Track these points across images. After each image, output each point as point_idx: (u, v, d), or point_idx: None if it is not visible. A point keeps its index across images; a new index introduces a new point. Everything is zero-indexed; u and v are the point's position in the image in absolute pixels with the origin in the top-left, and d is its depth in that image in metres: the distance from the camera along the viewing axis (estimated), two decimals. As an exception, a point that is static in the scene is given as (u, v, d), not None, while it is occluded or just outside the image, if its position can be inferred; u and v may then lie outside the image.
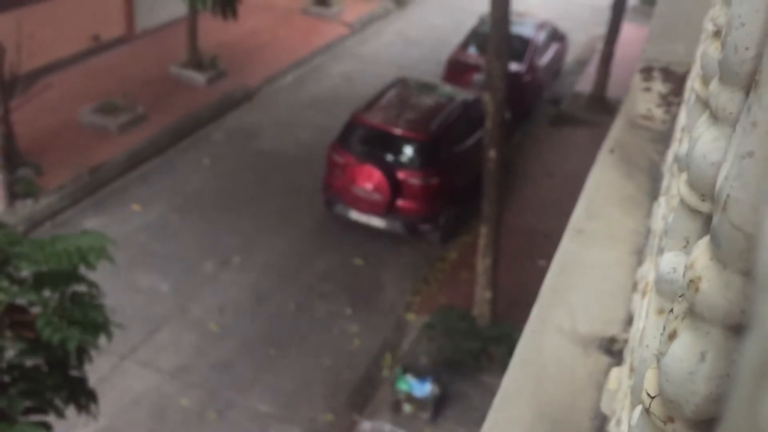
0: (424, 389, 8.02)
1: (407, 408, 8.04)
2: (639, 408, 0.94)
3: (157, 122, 12.31)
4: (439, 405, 8.12)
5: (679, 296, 0.76)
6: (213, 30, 14.80)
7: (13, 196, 10.03)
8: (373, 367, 8.70)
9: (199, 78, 13.84)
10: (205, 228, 10.37)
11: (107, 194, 10.78)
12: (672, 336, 0.74)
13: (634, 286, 2.13)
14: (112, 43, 14.40)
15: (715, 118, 0.92)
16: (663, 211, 1.68)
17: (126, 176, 11.18)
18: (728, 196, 0.65)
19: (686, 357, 0.72)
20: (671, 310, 0.78)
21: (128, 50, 14.56)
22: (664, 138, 2.97)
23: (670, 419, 0.79)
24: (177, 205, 10.74)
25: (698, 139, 0.96)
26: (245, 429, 7.73)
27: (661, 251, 1.31)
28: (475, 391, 8.37)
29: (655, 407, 0.81)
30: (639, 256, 2.43)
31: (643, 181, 2.74)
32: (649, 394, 0.82)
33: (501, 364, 8.05)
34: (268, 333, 8.88)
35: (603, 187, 2.73)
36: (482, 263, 9.03)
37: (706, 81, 1.15)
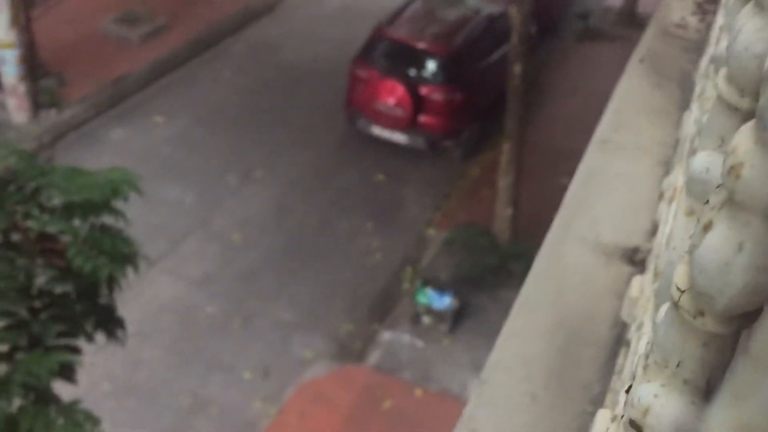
0: (443, 302, 8.14)
1: (426, 320, 8.19)
2: (666, 305, 0.94)
3: (178, 33, 12.17)
4: (457, 318, 8.26)
5: (717, 186, 0.74)
6: (233, -62, 14.41)
7: (37, 106, 10.06)
8: (394, 281, 8.83)
9: (219, -12, 13.56)
10: (227, 141, 10.38)
11: (130, 106, 10.77)
12: (707, 227, 0.73)
13: (660, 196, 2.12)
14: (131, -49, 14.08)
15: (760, 6, 0.89)
16: (695, 115, 1.65)
17: (148, 88, 11.14)
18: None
19: (722, 248, 0.71)
20: (707, 202, 0.76)
21: (147, -41, 14.24)
22: (697, 47, 2.89)
23: (701, 313, 0.79)
24: (199, 118, 10.73)
25: (740, 30, 0.92)
26: (268, 337, 7.93)
27: (692, 153, 1.29)
28: (493, 305, 8.48)
29: (685, 301, 0.80)
30: (666, 167, 2.40)
31: (673, 91, 2.67)
32: (679, 288, 0.82)
33: (520, 280, 8.11)
34: (290, 246, 9.00)
35: (631, 97, 2.68)
36: (504, 180, 9.00)
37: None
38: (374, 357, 7.95)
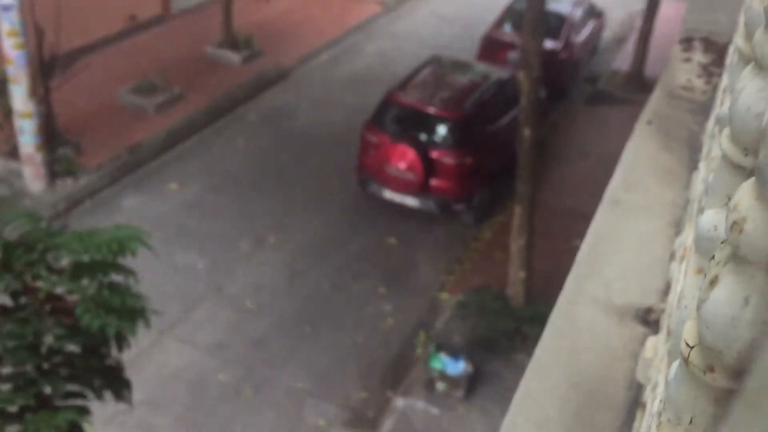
0: (457, 368, 8.03)
1: (440, 386, 8.07)
2: (677, 362, 0.93)
3: (193, 102, 12.43)
4: (472, 383, 8.13)
5: (722, 242, 0.75)
6: (247, 10, 14.84)
7: (53, 175, 10.22)
8: (407, 346, 8.74)
9: (234, 58, 13.91)
10: (240, 207, 10.47)
11: (145, 173, 10.92)
12: (713, 282, 0.73)
13: (672, 256, 2.11)
14: (148, 23, 14.53)
15: (760, 68, 0.91)
16: (703, 174, 1.65)
17: (163, 156, 11.31)
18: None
19: (728, 302, 0.71)
20: (713, 257, 0.77)
21: (164, 30, 14.67)
22: (704, 109, 2.91)
23: (710, 368, 0.78)
24: (213, 185, 10.85)
25: (742, 91, 0.94)
26: (281, 405, 7.83)
27: (700, 211, 1.29)
28: (508, 370, 8.36)
29: (695, 357, 0.80)
30: (677, 227, 2.40)
31: (681, 152, 2.69)
32: (688, 344, 0.81)
33: (535, 344, 8.02)
34: (302, 311, 8.96)
35: (640, 158, 2.69)
36: (516, 243, 8.99)
37: (749, 36, 1.13)
38: (388, 425, 7.81)
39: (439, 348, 8.28)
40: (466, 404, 8.05)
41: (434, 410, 7.97)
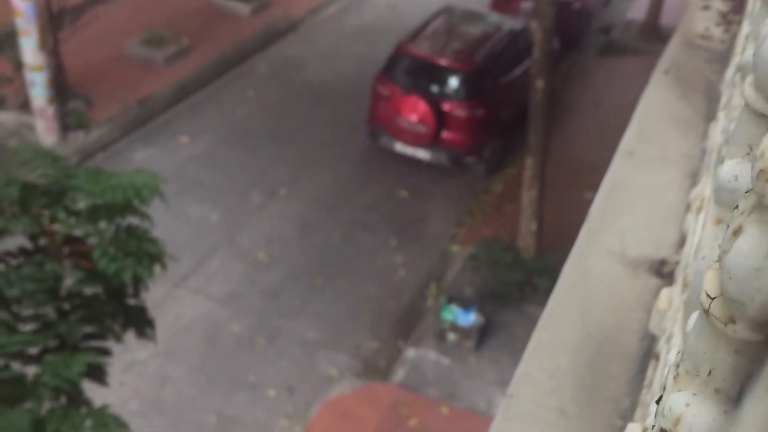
0: (468, 319, 8.10)
1: (451, 337, 8.15)
2: (696, 314, 0.93)
3: (202, 54, 12.32)
4: (482, 334, 8.21)
5: (746, 191, 0.74)
6: (256, -41, 14.58)
7: (65, 128, 10.22)
8: (418, 298, 8.81)
9: (243, 8, 13.73)
10: (251, 159, 10.46)
11: (156, 126, 10.90)
12: (737, 232, 0.73)
13: (688, 208, 2.10)
14: (155, -25, 14.31)
15: (787, 13, 0.88)
16: (722, 124, 1.63)
17: (173, 108, 11.27)
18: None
19: (752, 253, 0.70)
20: (736, 207, 0.76)
21: (172, -19, 14.47)
22: (722, 58, 2.86)
23: (731, 320, 0.78)
24: (224, 137, 10.83)
25: (766, 37, 0.92)
26: (293, 354, 7.94)
27: (720, 162, 1.28)
28: (518, 321, 8.43)
29: (716, 308, 0.80)
30: (693, 178, 2.38)
31: (698, 102, 2.66)
32: (709, 296, 0.81)
33: (545, 295, 8.06)
34: (314, 263, 9.02)
35: (656, 108, 2.66)
36: (527, 195, 8.97)
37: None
38: (399, 374, 7.91)
39: (450, 299, 8.34)
40: (477, 354, 8.13)
41: (445, 360, 8.06)
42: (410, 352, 8.14)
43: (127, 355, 7.19)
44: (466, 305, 8.22)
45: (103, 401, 3.30)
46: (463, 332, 8.11)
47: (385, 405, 7.60)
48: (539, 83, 8.49)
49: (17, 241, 3.31)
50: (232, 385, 7.58)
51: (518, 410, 2.12)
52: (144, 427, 7.05)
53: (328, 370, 7.85)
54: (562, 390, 2.13)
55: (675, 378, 0.87)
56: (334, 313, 8.45)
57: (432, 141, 10.19)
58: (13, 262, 3.22)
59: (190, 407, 7.34)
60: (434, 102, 10.14)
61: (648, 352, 2.14)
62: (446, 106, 10.19)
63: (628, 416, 1.93)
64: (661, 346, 1.77)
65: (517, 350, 7.77)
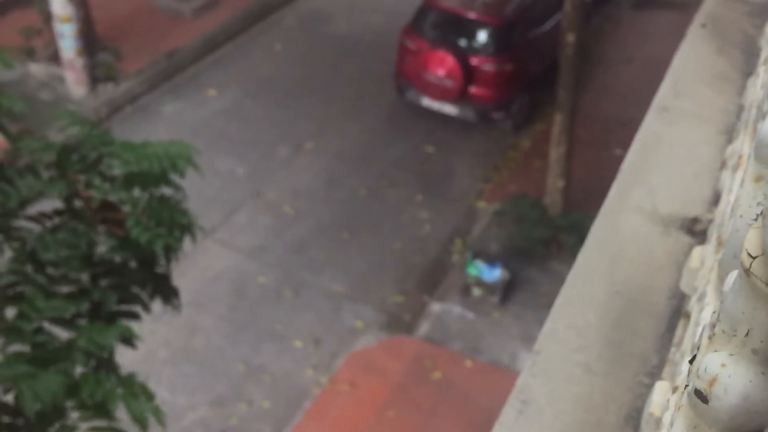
0: (493, 274, 8.11)
1: (476, 292, 8.18)
2: (734, 273, 0.92)
3: (229, 6, 12.24)
4: (507, 290, 8.23)
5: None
6: None
7: (94, 80, 10.27)
8: (443, 253, 8.83)
9: (269, -40, 13.55)
10: (278, 113, 10.45)
11: (183, 79, 10.91)
12: (780, 190, 0.71)
13: (723, 165, 2.06)
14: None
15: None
16: (762, 80, 1.59)
17: (201, 61, 11.26)
18: None
19: (795, 210, 0.69)
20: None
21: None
22: (762, 11, 2.78)
23: (772, 279, 0.77)
24: (251, 91, 10.82)
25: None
26: (319, 307, 8.03)
27: (761, 117, 1.25)
28: (543, 277, 8.43)
29: (757, 268, 0.79)
30: (728, 135, 2.34)
31: (736, 57, 2.59)
32: (750, 255, 0.80)
33: (571, 252, 8.04)
34: (340, 217, 9.06)
35: (692, 63, 2.60)
36: (555, 151, 8.88)
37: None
38: (424, 328, 7.98)
39: (476, 255, 8.35)
40: (501, 310, 8.17)
41: (470, 315, 8.11)
42: (435, 307, 8.20)
43: (157, 305, 7.32)
44: (491, 261, 8.23)
45: (133, 350, 3.38)
46: (488, 287, 8.13)
47: (409, 358, 7.68)
48: (570, 37, 8.33)
49: (52, 204, 3.35)
50: (259, 335, 7.70)
51: (544, 366, 2.13)
52: (173, 375, 7.21)
53: (354, 322, 7.94)
54: (589, 347, 2.13)
55: (710, 338, 0.87)
56: (359, 266, 8.51)
57: (459, 96, 10.09)
58: (48, 223, 3.26)
59: (219, 356, 7.49)
60: (462, 56, 10.00)
61: (677, 311, 2.13)
62: (474, 61, 10.05)
63: (655, 374, 1.94)
64: (692, 305, 1.76)
65: (541, 306, 7.80)
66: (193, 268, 7.92)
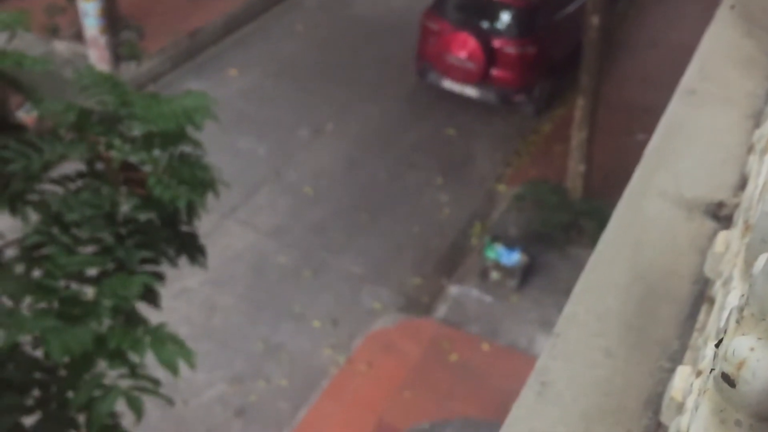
0: (512, 258, 8.10)
1: (494, 275, 8.17)
2: (764, 256, 0.91)
3: (251, -14, 12.21)
4: (526, 274, 8.21)
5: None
6: None
7: (117, 59, 10.31)
8: (462, 236, 8.82)
9: (292, -61, 13.50)
10: (299, 94, 10.45)
11: (205, 59, 10.93)
12: (814, 171, 0.71)
13: (750, 149, 2.03)
14: None
15: None
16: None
17: (223, 41, 11.27)
18: None
19: (829, 192, 0.68)
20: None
21: None
22: (794, -5, 2.73)
23: (802, 262, 0.76)
24: (272, 71, 10.82)
25: None
26: (337, 288, 8.07)
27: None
28: (562, 262, 8.40)
29: (784, 249, 0.78)
30: (756, 119, 2.30)
31: (765, 40, 2.55)
32: (779, 236, 0.79)
33: (591, 238, 8.00)
34: (360, 199, 9.07)
35: (720, 46, 2.56)
36: (577, 136, 8.81)
37: None
38: (442, 310, 8.00)
39: (495, 239, 8.33)
40: (519, 294, 8.16)
41: (487, 298, 8.11)
42: (453, 289, 8.20)
43: (177, 283, 7.39)
44: (510, 245, 8.21)
45: (158, 310, 3.41)
46: (507, 271, 8.12)
47: (426, 339, 7.71)
48: (594, 20, 8.24)
49: (73, 166, 3.39)
50: (278, 314, 7.75)
51: (564, 349, 2.12)
52: (193, 352, 7.28)
53: (372, 303, 7.97)
54: (610, 331, 2.13)
55: (738, 322, 0.86)
56: (378, 248, 8.53)
57: (481, 78, 10.03)
58: (71, 186, 3.29)
59: (238, 334, 7.55)
60: (484, 38, 9.93)
61: (700, 296, 2.12)
62: (496, 43, 9.98)
63: (677, 359, 1.93)
64: (717, 290, 1.75)
65: (559, 291, 7.77)
66: (213, 247, 7.93)
